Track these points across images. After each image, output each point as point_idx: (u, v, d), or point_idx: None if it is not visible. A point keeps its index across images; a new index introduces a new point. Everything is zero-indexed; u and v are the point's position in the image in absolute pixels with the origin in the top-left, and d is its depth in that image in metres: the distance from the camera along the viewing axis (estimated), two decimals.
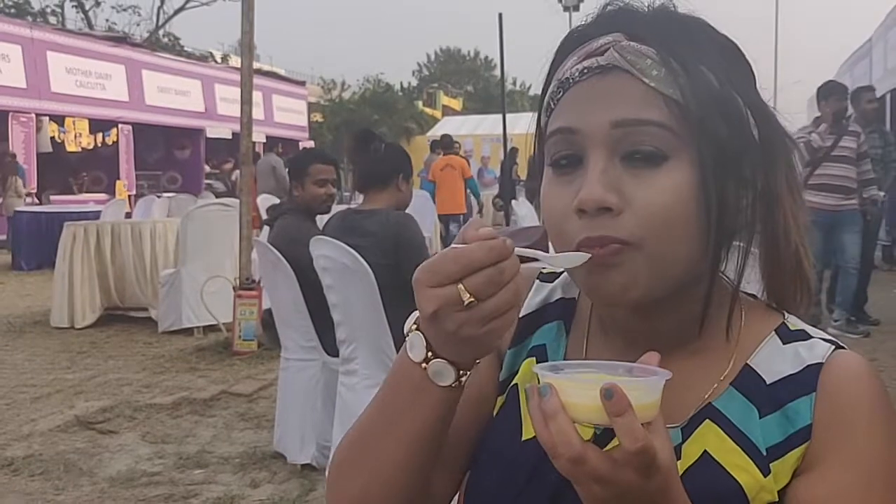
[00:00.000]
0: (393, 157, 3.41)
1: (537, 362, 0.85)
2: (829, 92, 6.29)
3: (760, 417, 0.76)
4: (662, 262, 0.73)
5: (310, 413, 3.65)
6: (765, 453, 0.74)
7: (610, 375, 0.65)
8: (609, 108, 0.72)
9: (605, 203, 0.71)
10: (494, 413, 0.87)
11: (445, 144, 12.72)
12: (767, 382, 0.77)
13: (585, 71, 0.74)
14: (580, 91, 0.75)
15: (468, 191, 12.11)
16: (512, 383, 0.87)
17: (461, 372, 0.71)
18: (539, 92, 0.84)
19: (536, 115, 0.84)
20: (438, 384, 0.71)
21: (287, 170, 4.35)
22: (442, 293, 0.66)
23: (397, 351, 3.11)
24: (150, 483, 3.57)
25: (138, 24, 26.59)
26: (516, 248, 0.67)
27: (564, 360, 0.85)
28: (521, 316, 0.90)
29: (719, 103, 0.73)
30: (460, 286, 0.65)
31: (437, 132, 26.16)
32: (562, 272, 0.93)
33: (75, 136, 16.08)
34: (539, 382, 0.64)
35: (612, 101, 0.73)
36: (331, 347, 3.46)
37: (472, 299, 0.65)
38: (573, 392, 0.62)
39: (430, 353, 0.70)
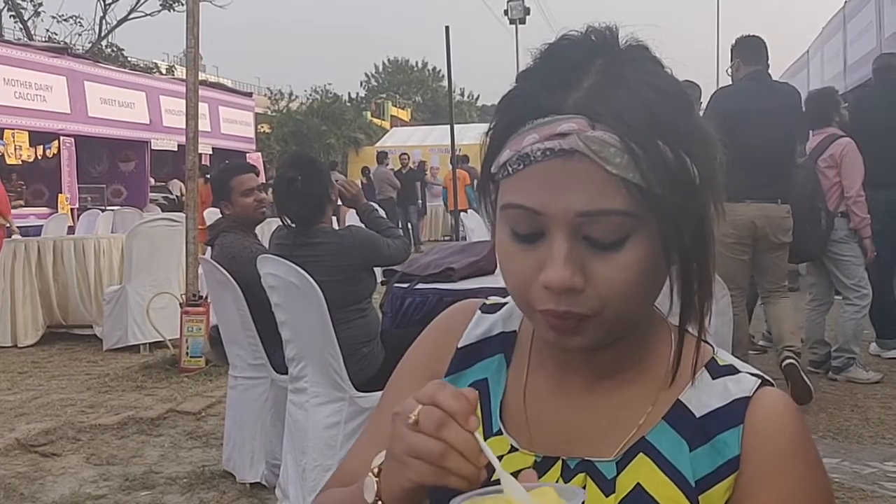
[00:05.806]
0: (314, 183, 3.37)
1: (480, 395, 0.88)
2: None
3: (691, 451, 0.80)
4: (620, 324, 0.79)
5: (259, 431, 3.63)
6: (694, 485, 0.79)
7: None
8: (574, 197, 0.73)
9: (572, 286, 0.74)
10: None
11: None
12: (697, 416, 0.81)
13: (548, 152, 0.74)
14: (542, 172, 0.74)
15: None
16: None
17: None
18: (488, 104, 0.83)
19: (484, 141, 0.81)
20: None
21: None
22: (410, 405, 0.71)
23: (346, 368, 3.09)
24: None
25: (80, 35, 25.92)
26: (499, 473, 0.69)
27: (505, 392, 0.90)
28: (460, 346, 0.93)
29: (674, 174, 0.74)
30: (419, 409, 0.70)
31: (385, 143, 26.16)
32: (505, 303, 0.96)
33: (15, 149, 15.69)
34: None
35: (576, 190, 0.73)
36: (279, 365, 3.45)
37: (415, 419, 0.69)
38: None
39: (378, 500, 0.74)
